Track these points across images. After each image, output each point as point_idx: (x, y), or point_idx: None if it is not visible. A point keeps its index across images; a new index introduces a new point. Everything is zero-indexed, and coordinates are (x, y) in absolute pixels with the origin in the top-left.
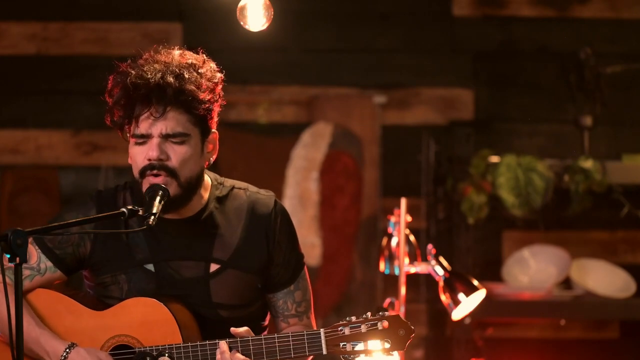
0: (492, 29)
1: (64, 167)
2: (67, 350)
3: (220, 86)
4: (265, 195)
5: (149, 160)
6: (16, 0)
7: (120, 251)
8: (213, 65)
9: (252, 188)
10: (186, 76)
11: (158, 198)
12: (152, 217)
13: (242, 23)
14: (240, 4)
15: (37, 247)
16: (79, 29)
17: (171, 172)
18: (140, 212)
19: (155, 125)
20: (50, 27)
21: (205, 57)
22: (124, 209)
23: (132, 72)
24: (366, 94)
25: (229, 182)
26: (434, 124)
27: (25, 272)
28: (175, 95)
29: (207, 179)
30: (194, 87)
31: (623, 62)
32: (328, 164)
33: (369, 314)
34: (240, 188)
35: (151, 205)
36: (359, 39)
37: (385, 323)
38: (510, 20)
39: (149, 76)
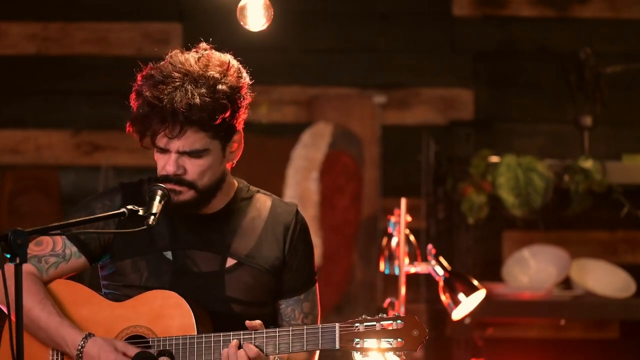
0: (492, 29)
1: (64, 167)
2: (84, 339)
3: (245, 89)
4: (289, 204)
5: (167, 173)
6: (16, 0)
7: (142, 237)
8: (237, 66)
9: (276, 196)
10: (198, 103)
11: (158, 198)
12: (152, 217)
13: (242, 23)
14: (240, 4)
15: None
16: (79, 29)
17: (188, 185)
18: (141, 212)
19: (172, 142)
20: (50, 27)
21: (229, 62)
22: (124, 209)
23: (147, 93)
24: (366, 94)
25: (255, 188)
26: (434, 124)
27: (51, 260)
28: (187, 120)
29: (233, 180)
30: (205, 115)
31: (623, 62)
32: (328, 164)
33: (383, 314)
34: (265, 194)
35: (151, 206)
36: (359, 39)
37: (400, 323)
38: (510, 20)
39: (165, 102)
